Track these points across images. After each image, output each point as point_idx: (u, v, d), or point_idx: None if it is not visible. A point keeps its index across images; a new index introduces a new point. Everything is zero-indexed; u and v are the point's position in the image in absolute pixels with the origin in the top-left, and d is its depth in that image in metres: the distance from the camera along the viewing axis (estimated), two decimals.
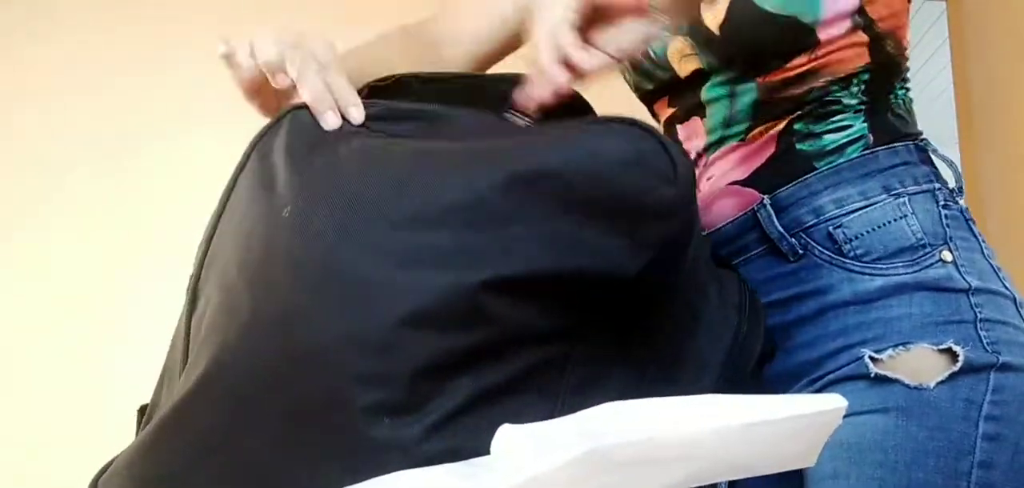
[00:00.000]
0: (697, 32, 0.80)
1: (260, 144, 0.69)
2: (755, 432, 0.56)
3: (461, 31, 0.86)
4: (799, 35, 0.76)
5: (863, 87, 0.79)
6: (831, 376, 0.74)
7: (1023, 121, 2.55)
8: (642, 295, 0.64)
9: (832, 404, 0.58)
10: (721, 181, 0.82)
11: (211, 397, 0.59)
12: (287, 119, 0.70)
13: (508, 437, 0.53)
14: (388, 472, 0.54)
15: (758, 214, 0.78)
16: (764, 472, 0.63)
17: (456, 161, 0.65)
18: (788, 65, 0.77)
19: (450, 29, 0.86)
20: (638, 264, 0.61)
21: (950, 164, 0.80)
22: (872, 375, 0.72)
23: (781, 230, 0.77)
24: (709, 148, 0.84)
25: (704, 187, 0.83)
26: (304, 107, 0.70)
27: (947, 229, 0.75)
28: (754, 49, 0.78)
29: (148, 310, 2.12)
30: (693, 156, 0.86)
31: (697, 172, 0.84)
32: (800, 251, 0.77)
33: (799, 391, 0.77)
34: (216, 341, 0.60)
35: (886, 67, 0.80)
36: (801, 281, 0.77)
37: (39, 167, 2.23)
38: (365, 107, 0.70)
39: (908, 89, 0.82)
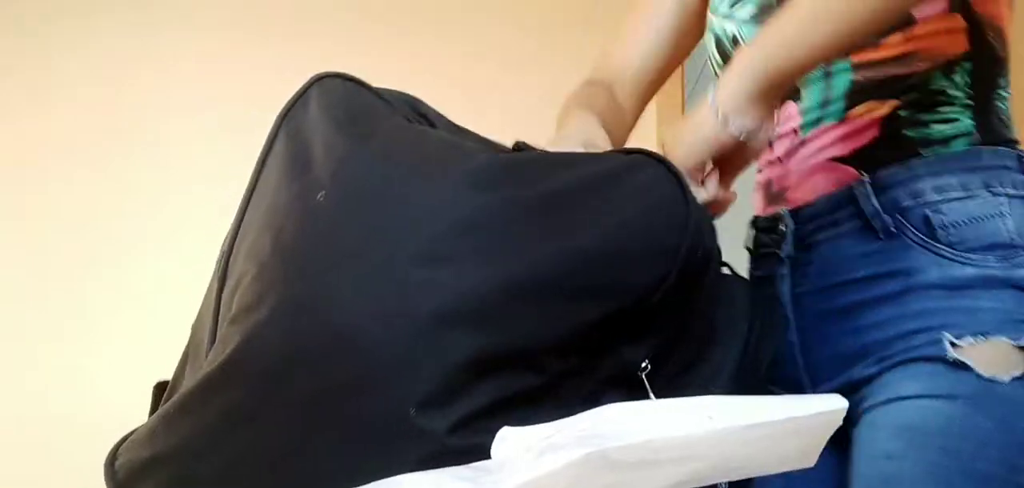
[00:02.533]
0: None
1: (288, 119, 0.69)
2: (754, 433, 0.57)
3: (624, 66, 0.93)
4: None
5: (968, 79, 0.78)
6: (903, 356, 0.74)
7: (1023, 121, 2.55)
8: (665, 309, 0.65)
9: (832, 405, 0.59)
10: (818, 156, 0.82)
11: (240, 373, 0.60)
12: (314, 92, 0.70)
13: (508, 440, 0.53)
14: (410, 460, 0.55)
15: (855, 190, 0.78)
16: (764, 473, 0.64)
17: (491, 163, 0.66)
18: (883, 43, 0.78)
19: (615, 67, 0.94)
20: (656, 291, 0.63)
21: None
22: (950, 359, 0.72)
23: (877, 207, 0.77)
24: (805, 126, 0.84)
25: (797, 164, 0.84)
26: (328, 76, 0.70)
27: None
28: None
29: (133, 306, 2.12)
30: (789, 132, 0.86)
31: (789, 148, 0.86)
32: (893, 230, 0.77)
33: (865, 369, 0.77)
34: (248, 319, 0.61)
35: (989, 60, 0.80)
36: (888, 260, 0.77)
37: (33, 165, 2.23)
38: (389, 96, 0.71)
39: (1008, 97, 0.82)
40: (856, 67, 0.80)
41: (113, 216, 2.19)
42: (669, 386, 0.66)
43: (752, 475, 0.64)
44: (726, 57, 0.89)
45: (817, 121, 0.82)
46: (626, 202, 0.64)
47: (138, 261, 2.16)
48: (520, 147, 0.73)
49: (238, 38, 2.29)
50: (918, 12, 0.77)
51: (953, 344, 0.72)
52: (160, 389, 0.70)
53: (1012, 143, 0.80)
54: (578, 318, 0.61)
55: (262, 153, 0.69)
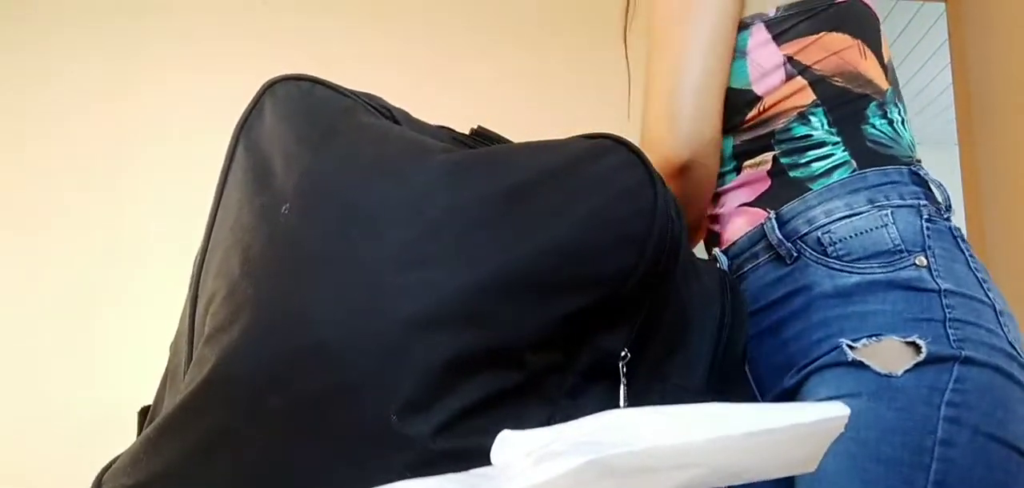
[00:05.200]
0: None
1: (244, 132, 0.69)
2: (757, 441, 0.56)
3: None
4: (739, 98, 0.91)
5: (826, 120, 0.90)
6: (815, 364, 0.83)
7: (1023, 121, 2.55)
8: (639, 296, 0.64)
9: (835, 412, 0.58)
10: (733, 204, 0.94)
11: (217, 394, 0.59)
12: (267, 101, 0.69)
13: (508, 445, 0.53)
14: (397, 468, 0.54)
15: (764, 226, 0.90)
16: (765, 478, 0.63)
17: (457, 160, 0.65)
18: (746, 119, 0.92)
19: None
20: (634, 273, 0.63)
21: (940, 186, 0.89)
22: (849, 360, 0.80)
23: (780, 237, 0.88)
24: (719, 184, 0.98)
25: (722, 213, 0.96)
26: (279, 81, 0.69)
27: (927, 239, 0.84)
28: None
29: (139, 311, 2.13)
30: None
31: (714, 210, 0.99)
32: (795, 254, 0.88)
33: (789, 380, 0.86)
34: (222, 339, 0.60)
35: (843, 99, 0.91)
36: (794, 280, 0.87)
37: (37, 175, 2.23)
38: (347, 90, 0.71)
39: (891, 120, 0.92)
40: (735, 135, 0.93)
41: (115, 223, 2.19)
42: (651, 374, 0.66)
43: (753, 480, 0.64)
44: None
45: (723, 178, 0.96)
46: (593, 190, 0.64)
47: (141, 265, 2.16)
48: (479, 133, 0.72)
49: (239, 45, 2.30)
50: (759, 89, 0.90)
51: (850, 347, 0.81)
52: (144, 414, 0.70)
53: (898, 161, 0.90)
54: (553, 311, 0.61)
55: (223, 169, 0.68)
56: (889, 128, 0.91)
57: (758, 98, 0.91)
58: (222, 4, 2.37)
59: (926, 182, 0.89)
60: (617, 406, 0.64)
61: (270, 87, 0.69)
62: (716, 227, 0.97)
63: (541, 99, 2.29)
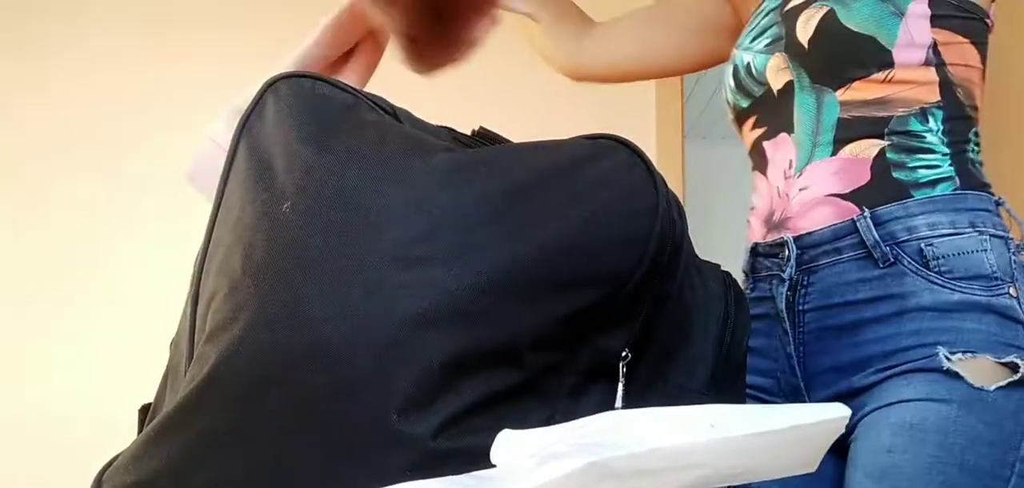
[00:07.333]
0: (791, 47, 0.95)
1: (245, 130, 0.68)
2: (757, 442, 0.56)
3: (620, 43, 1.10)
4: (876, 53, 0.89)
5: (942, 127, 0.90)
6: (902, 367, 0.86)
7: (1023, 121, 2.55)
8: (640, 297, 0.64)
9: (835, 413, 0.58)
10: (817, 191, 0.93)
11: (218, 393, 0.59)
12: (269, 98, 0.69)
13: (508, 446, 0.53)
14: (398, 467, 0.54)
15: (857, 223, 0.89)
16: (766, 478, 0.64)
17: (458, 159, 0.65)
18: (867, 80, 0.90)
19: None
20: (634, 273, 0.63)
21: (1021, 222, 0.93)
22: (944, 369, 0.83)
23: (877, 239, 0.88)
24: (800, 161, 0.96)
25: (796, 196, 0.95)
26: (281, 79, 0.69)
27: (1014, 271, 0.88)
28: (838, 61, 0.92)
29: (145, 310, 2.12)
30: (783, 168, 0.97)
31: (785, 182, 0.97)
32: (890, 259, 0.88)
33: (865, 379, 0.88)
34: (223, 337, 0.60)
35: (959, 114, 0.91)
36: (886, 286, 0.88)
37: (38, 165, 2.23)
38: (349, 87, 0.71)
39: (979, 151, 0.94)
40: (843, 104, 0.92)
41: (115, 221, 2.19)
42: (652, 375, 0.66)
43: (754, 481, 0.64)
44: (739, 84, 1.03)
45: (810, 154, 0.94)
46: (594, 190, 0.64)
47: (141, 264, 2.16)
48: (481, 133, 0.72)
49: (226, 33, 2.29)
50: (898, 57, 0.89)
51: (948, 357, 0.83)
52: (145, 411, 0.70)
53: (989, 190, 0.92)
54: (554, 311, 0.61)
55: (224, 167, 0.68)
56: (980, 158, 0.94)
57: (891, 66, 0.90)
58: None
59: (1011, 217, 0.92)
60: (617, 407, 0.64)
61: (272, 84, 0.69)
62: (788, 211, 0.96)
63: (541, 99, 2.29)
